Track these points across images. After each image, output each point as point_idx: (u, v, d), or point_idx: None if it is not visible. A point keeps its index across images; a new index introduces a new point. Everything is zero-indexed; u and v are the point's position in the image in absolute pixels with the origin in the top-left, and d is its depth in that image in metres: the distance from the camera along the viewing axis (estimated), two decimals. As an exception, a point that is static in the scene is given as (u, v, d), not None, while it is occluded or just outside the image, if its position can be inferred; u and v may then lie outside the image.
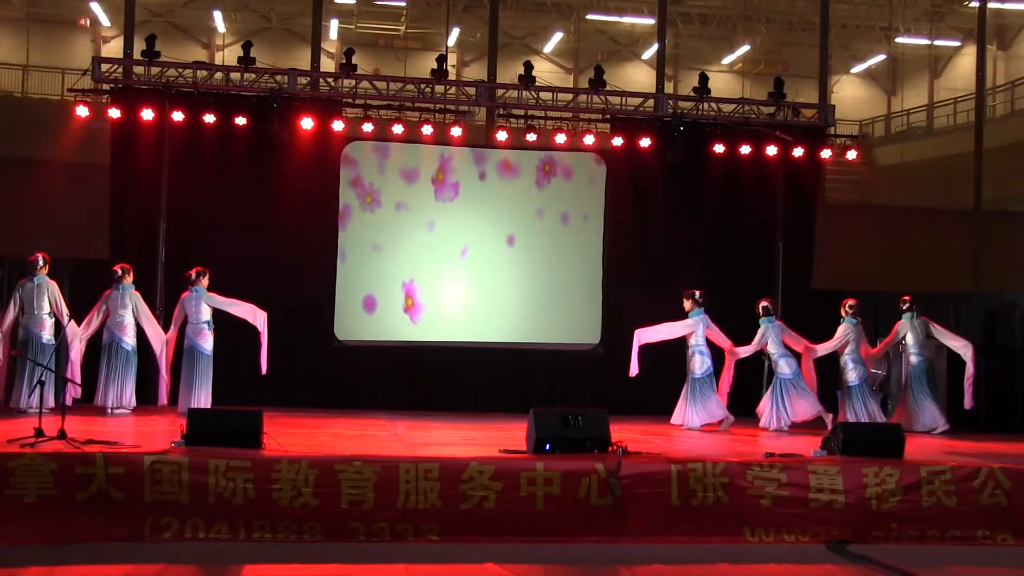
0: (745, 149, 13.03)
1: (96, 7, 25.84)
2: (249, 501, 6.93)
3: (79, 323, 10.45)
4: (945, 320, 13.41)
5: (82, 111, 11.96)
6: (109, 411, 10.46)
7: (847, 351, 11.50)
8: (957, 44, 28.25)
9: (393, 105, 12.69)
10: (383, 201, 12.73)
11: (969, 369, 11.57)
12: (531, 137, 12.91)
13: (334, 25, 26.70)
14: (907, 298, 11.86)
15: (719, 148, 12.98)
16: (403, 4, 26.82)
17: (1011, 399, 12.61)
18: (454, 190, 12.92)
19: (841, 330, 11.52)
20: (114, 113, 11.91)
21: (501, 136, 12.78)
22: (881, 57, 28.99)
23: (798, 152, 13.10)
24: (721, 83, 25.64)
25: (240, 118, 12.04)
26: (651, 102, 13.37)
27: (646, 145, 12.95)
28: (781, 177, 13.28)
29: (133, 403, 10.67)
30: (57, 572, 6.19)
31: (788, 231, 13.37)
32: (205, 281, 10.82)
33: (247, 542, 6.85)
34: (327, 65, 23.76)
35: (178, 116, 11.89)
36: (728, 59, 28.92)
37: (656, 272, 12.81)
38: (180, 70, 12.18)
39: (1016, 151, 20.60)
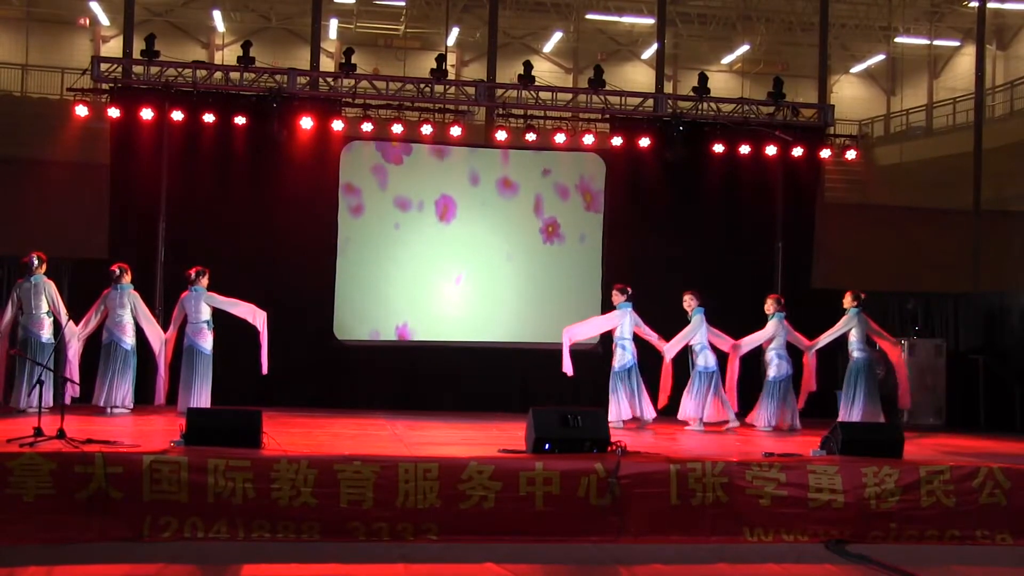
0: (744, 149, 13.03)
1: (95, 7, 25.84)
2: (248, 501, 6.92)
3: (77, 323, 10.45)
4: (944, 320, 13.44)
5: (81, 111, 11.96)
6: (108, 411, 10.45)
7: (772, 346, 11.32)
8: (956, 44, 28.26)
9: (392, 105, 12.69)
10: (381, 222, 12.76)
11: (892, 367, 11.47)
12: (531, 137, 12.92)
13: (334, 25, 26.70)
14: (859, 294, 11.60)
15: (718, 148, 12.99)
16: (403, 4, 26.82)
17: (1010, 399, 12.61)
18: (452, 215, 12.98)
19: (769, 325, 11.36)
20: (113, 112, 11.90)
21: (500, 136, 12.78)
22: (880, 57, 29.00)
23: (797, 152, 13.10)
24: (720, 83, 25.66)
25: (240, 118, 12.04)
26: (650, 102, 13.38)
27: (645, 145, 12.96)
28: (780, 177, 13.29)
29: (132, 403, 10.66)
30: (56, 572, 6.18)
31: (787, 230, 13.38)
32: (205, 281, 10.82)
33: (246, 541, 6.84)
34: (327, 65, 23.76)
35: (177, 116, 11.89)
36: (727, 59, 28.92)
37: (655, 271, 12.80)
38: (179, 70, 12.18)
39: (1015, 151, 20.60)
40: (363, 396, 12.41)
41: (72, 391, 9.85)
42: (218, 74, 12.45)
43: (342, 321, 12.66)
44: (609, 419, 10.85)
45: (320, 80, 13.01)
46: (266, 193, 12.36)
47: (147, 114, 11.82)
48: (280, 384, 11.59)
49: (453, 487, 7.13)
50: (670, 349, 11.13)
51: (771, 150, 13.05)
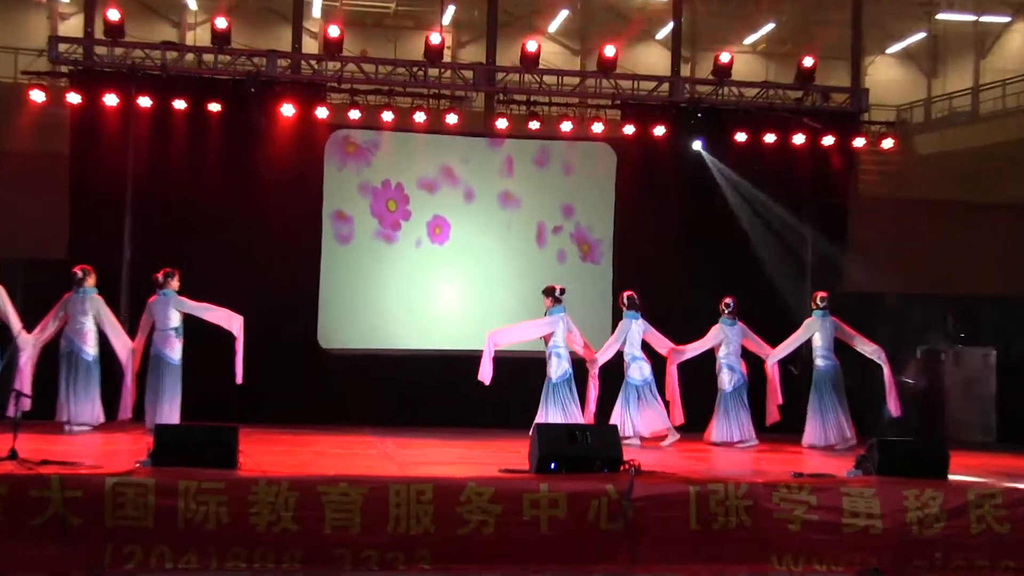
0: (770, 138, 13.06)
1: (54, -19, 25.89)
2: (223, 527, 6.91)
3: (31, 331, 10.39)
4: (993, 326, 13.39)
5: (37, 96, 11.97)
6: (68, 428, 10.43)
7: (722, 354, 11.36)
8: (1006, 20, 28.21)
9: (382, 90, 12.72)
10: (371, 239, 12.89)
11: (886, 375, 11.48)
12: (534, 125, 12.95)
13: (317, 2, 26.72)
14: (822, 294, 11.66)
15: (741, 136, 13.01)
16: (393, -21, 26.88)
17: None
18: (445, 236, 13.09)
19: (713, 330, 11.38)
20: (73, 98, 11.92)
21: (501, 124, 12.80)
22: (921, 35, 28.98)
23: (828, 141, 13.12)
24: (743, 65, 25.65)
25: (214, 104, 12.06)
26: (666, 86, 13.41)
27: (660, 134, 12.97)
28: (809, 168, 13.32)
29: (97, 419, 10.63)
30: (8, 606, 6.16)
31: (818, 227, 13.38)
32: (175, 283, 10.81)
33: (220, 571, 6.82)
34: (309, 47, 23.78)
35: (145, 102, 11.90)
36: (751, 39, 28.94)
37: (671, 273, 12.82)
38: (147, 51, 12.23)
39: (1070, 138, 20.58)
40: (350, 410, 12.39)
41: (23, 405, 9.77)
42: (190, 56, 12.46)
43: (327, 328, 12.66)
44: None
45: (302, 63, 13.06)
46: (243, 187, 12.37)
47: (111, 100, 11.84)
48: (258, 398, 11.56)
49: (449, 511, 7.11)
50: (599, 358, 11.15)
51: (799, 139, 13.07)
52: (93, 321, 10.65)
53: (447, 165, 13.08)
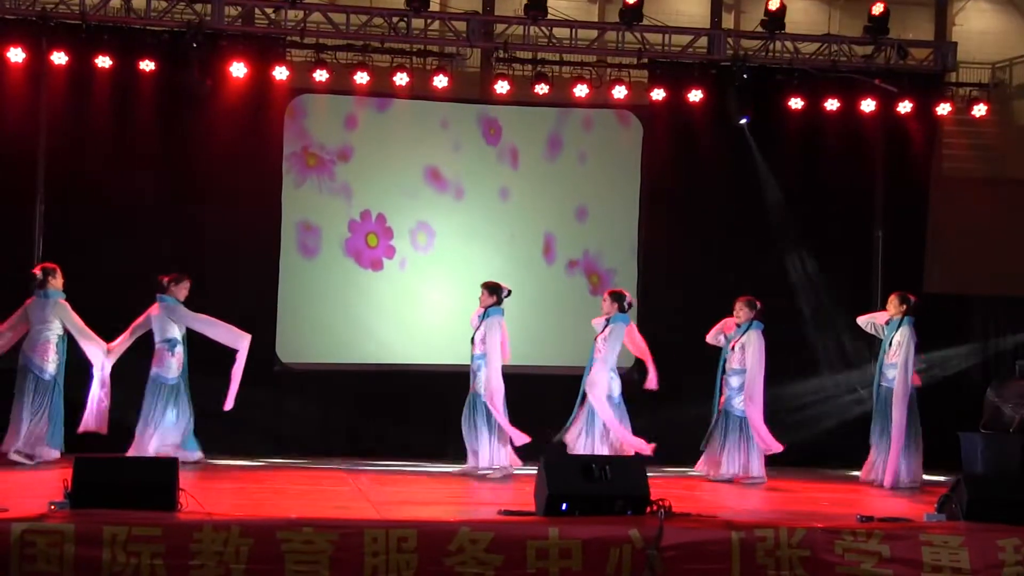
0: (832, 104, 13.11)
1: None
2: (158, 583, 6.95)
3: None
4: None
5: (-78, 51, 12.02)
6: (18, 456, 10.45)
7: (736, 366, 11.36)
8: None
9: (356, 45, 12.77)
10: (337, 249, 13.09)
11: None
12: (542, 89, 12.99)
13: (274, -64, 26.81)
14: (907, 296, 11.49)
15: (796, 103, 13.08)
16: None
17: None
18: (430, 244, 13.26)
19: (753, 341, 11.28)
20: (-32, 54, 11.99)
21: (501, 87, 12.86)
22: (1024, -26, 29.01)
23: (905, 107, 13.19)
24: (800, 14, 25.65)
25: (147, 62, 12.12)
26: (704, 41, 13.46)
27: (697, 99, 13.04)
28: (881, 142, 13.40)
29: (57, 449, 10.67)
30: None
31: (891, 215, 13.47)
32: (183, 291, 10.90)
33: (155, 639, 6.87)
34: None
35: (60, 58, 11.95)
36: (810, -19, 29.00)
37: (709, 271, 12.86)
38: (63, -5, 12.27)
39: None
40: (315, 438, 12.50)
41: None
42: (116, 1, 12.49)
43: (288, 338, 12.73)
44: (481, 464, 10.94)
45: (256, 11, 13.07)
46: (182, 165, 12.44)
47: (16, 55, 11.87)
48: (200, 423, 11.62)
49: (438, 562, 7.14)
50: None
51: (869, 105, 13.13)
52: (57, 331, 10.71)
53: (433, 167, 13.20)
